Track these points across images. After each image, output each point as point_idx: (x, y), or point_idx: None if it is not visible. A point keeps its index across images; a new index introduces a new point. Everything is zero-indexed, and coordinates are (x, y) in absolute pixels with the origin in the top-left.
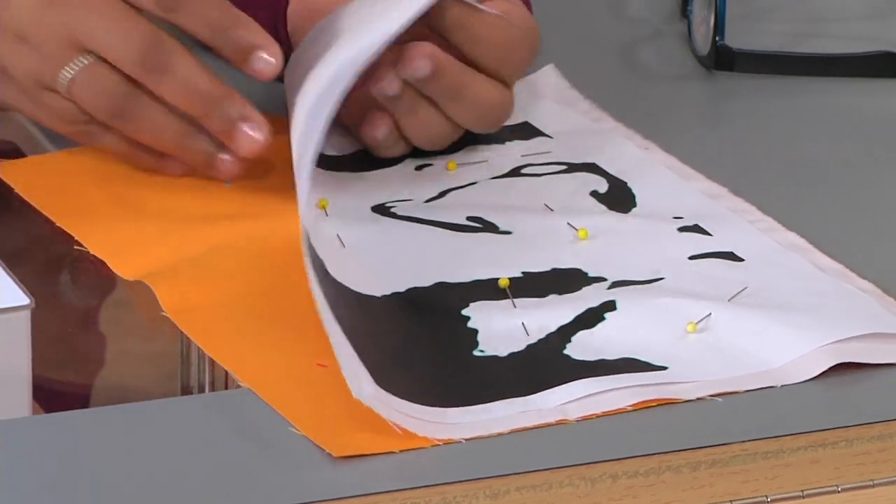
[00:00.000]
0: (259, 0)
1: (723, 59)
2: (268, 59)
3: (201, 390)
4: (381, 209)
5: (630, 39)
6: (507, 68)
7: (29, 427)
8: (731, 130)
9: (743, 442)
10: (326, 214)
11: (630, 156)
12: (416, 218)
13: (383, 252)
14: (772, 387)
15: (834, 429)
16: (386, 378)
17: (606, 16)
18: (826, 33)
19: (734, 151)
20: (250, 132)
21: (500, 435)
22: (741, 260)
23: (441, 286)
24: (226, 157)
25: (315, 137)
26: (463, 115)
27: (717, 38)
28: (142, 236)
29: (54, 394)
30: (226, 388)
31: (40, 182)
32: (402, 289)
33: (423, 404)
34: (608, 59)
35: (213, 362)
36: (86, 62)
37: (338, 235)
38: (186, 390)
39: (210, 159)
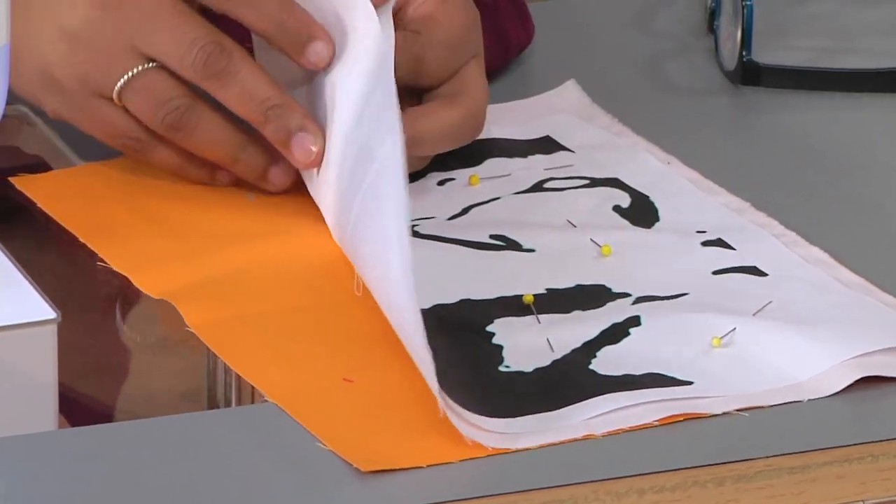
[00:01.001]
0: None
1: (749, 74)
2: (322, 50)
3: (228, 404)
4: None
5: (657, 54)
6: (451, 71)
7: (55, 441)
8: (757, 145)
9: (768, 457)
10: None
11: (652, 170)
12: (439, 237)
13: None
14: (797, 401)
15: (860, 444)
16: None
17: (633, 30)
18: (853, 49)
19: (761, 166)
20: (307, 143)
21: (525, 450)
22: (765, 274)
23: (465, 303)
24: (278, 169)
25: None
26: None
27: (743, 53)
28: (165, 253)
29: (80, 407)
30: (252, 402)
31: (63, 196)
32: (426, 306)
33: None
34: (635, 73)
35: (239, 376)
36: (142, 68)
37: None
38: (213, 404)
39: (263, 171)
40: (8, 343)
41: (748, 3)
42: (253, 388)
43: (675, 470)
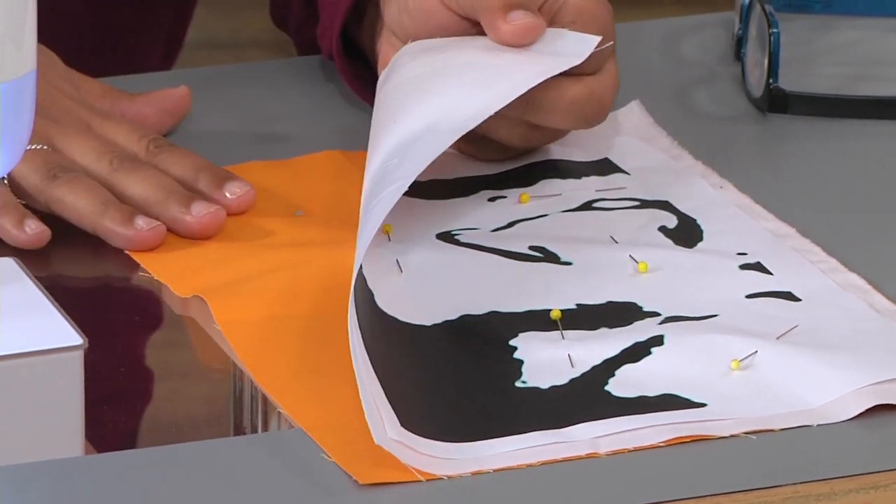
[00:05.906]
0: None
1: (776, 102)
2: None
3: (253, 430)
4: (446, 236)
5: (684, 81)
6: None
7: (82, 467)
8: (784, 172)
9: (795, 484)
10: (389, 239)
11: (703, 194)
12: (478, 245)
13: (440, 278)
14: (813, 427)
15: (886, 471)
16: (416, 414)
17: (660, 58)
18: (879, 76)
19: (788, 193)
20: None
21: (529, 466)
22: (798, 300)
23: (494, 315)
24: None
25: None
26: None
27: (770, 81)
28: (203, 258)
29: (106, 433)
30: (279, 428)
31: None
32: (454, 316)
33: (452, 439)
34: (662, 100)
35: (265, 402)
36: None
37: (397, 261)
38: (238, 430)
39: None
40: (35, 369)
41: (775, 30)
42: (278, 414)
43: (702, 497)
